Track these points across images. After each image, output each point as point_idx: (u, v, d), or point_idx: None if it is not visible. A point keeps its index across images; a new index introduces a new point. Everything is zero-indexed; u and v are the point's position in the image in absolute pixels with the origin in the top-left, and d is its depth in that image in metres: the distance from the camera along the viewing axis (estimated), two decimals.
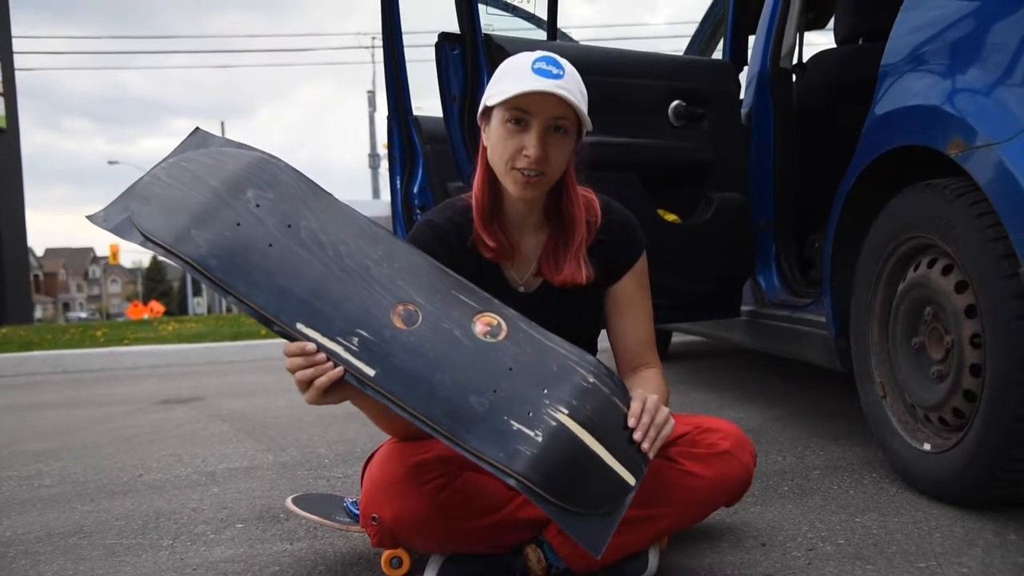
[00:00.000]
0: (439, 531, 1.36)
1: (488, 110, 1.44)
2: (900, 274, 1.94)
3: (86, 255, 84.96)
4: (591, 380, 1.25)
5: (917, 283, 1.86)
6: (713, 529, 1.71)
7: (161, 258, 1.32)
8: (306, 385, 1.24)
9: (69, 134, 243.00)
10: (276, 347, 6.13)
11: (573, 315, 1.52)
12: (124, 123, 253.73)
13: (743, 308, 2.93)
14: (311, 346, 1.23)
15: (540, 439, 1.17)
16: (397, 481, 1.35)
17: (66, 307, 75.69)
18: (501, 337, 1.27)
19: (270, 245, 1.30)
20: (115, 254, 39.27)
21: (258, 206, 1.33)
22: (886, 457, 2.02)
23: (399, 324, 1.25)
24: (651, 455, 1.25)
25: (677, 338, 5.11)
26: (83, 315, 66.32)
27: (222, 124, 32.04)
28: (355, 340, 1.23)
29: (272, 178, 1.38)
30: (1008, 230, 1.52)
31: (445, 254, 1.44)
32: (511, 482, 1.15)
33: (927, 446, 1.83)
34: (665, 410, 1.30)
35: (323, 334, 1.24)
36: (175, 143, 1.45)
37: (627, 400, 1.28)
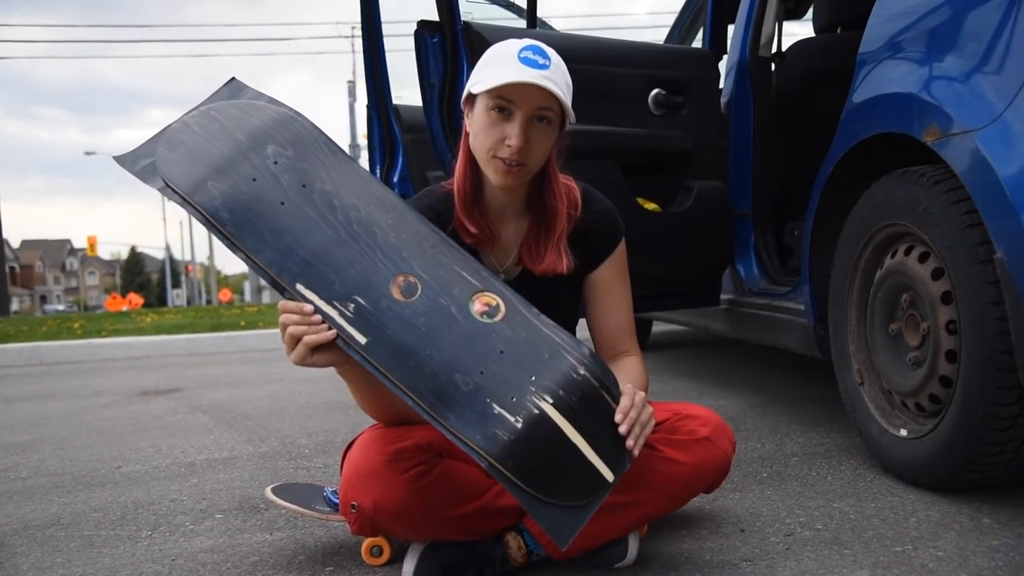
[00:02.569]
0: (419, 518, 1.36)
1: (472, 96, 1.43)
2: (877, 261, 1.96)
3: (63, 247, 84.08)
4: (581, 372, 1.24)
5: (894, 270, 1.87)
6: (693, 516, 1.72)
7: (179, 206, 1.31)
8: (295, 342, 1.24)
9: (43, 124, 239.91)
10: (255, 339, 6.11)
11: (553, 303, 1.51)
12: (99, 113, 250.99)
13: (723, 297, 2.94)
14: (308, 307, 1.23)
15: (519, 425, 1.16)
16: (376, 468, 1.34)
17: (43, 299, 74.96)
18: (498, 318, 1.27)
19: (282, 203, 1.30)
20: (93, 246, 38.71)
21: (276, 163, 1.34)
22: (864, 443, 2.04)
23: (397, 295, 1.25)
24: (635, 452, 1.25)
25: (658, 327, 5.13)
26: (60, 307, 65.68)
27: None
28: (351, 307, 1.24)
29: (295, 136, 1.38)
30: (983, 217, 1.53)
31: None
32: (484, 464, 1.15)
33: (904, 432, 1.85)
34: (649, 409, 1.30)
35: (321, 297, 1.24)
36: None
37: (617, 395, 1.27)
